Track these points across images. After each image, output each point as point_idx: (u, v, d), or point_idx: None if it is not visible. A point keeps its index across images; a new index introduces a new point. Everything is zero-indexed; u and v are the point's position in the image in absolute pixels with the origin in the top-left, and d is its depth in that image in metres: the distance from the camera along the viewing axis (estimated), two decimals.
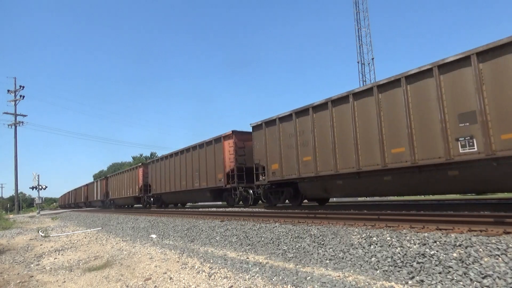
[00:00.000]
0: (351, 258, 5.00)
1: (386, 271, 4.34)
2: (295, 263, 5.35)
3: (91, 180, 54.59)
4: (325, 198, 13.57)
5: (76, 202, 53.67)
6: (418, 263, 4.27)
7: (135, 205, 32.39)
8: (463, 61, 7.56)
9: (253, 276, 4.81)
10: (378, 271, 4.40)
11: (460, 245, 4.38)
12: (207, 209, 16.36)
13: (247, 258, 6.04)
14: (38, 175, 37.14)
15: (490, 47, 7.15)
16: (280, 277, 4.58)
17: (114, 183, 34.66)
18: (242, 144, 16.36)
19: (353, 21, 34.62)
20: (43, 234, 13.40)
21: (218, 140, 17.29)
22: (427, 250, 4.51)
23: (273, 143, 12.99)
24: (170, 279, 5.15)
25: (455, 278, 3.73)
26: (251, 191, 15.98)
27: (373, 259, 4.77)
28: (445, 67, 7.86)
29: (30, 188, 50.31)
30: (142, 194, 27.41)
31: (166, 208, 24.46)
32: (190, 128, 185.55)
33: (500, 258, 3.87)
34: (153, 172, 25.71)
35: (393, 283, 3.95)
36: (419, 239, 4.92)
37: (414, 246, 4.75)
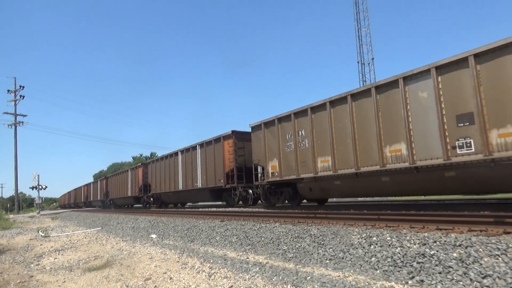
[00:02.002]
0: (351, 258, 5.00)
1: (386, 271, 4.34)
2: (295, 263, 5.35)
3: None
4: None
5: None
6: (418, 263, 4.27)
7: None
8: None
9: (253, 276, 4.81)
10: (378, 271, 4.40)
11: (460, 245, 4.38)
12: (207, 209, 16.36)
13: (247, 258, 6.04)
14: (38, 175, 37.14)
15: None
16: (280, 277, 4.58)
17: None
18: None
19: (353, 21, 34.62)
20: (43, 234, 13.40)
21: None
22: (427, 250, 4.51)
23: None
24: (170, 279, 5.15)
25: (455, 278, 3.73)
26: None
27: (373, 259, 4.77)
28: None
29: (30, 188, 50.30)
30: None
31: (166, 208, 24.43)
32: (190, 128, 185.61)
33: (500, 258, 3.87)
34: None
35: (393, 283, 3.95)
36: (419, 239, 4.92)
37: (414, 246, 4.75)
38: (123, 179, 31.20)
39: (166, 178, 23.00)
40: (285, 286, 4.27)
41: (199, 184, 18.85)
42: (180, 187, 20.96)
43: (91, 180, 54.73)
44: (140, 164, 28.89)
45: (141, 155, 76.92)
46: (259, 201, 16.32)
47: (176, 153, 21.97)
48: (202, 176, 18.64)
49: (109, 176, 38.06)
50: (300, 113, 11.74)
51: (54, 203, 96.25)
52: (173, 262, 6.24)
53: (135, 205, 32.72)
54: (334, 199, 19.47)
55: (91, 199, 44.18)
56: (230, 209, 15.62)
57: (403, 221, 6.25)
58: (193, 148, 19.81)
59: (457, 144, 7.65)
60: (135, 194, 28.00)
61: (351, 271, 4.59)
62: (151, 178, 25.83)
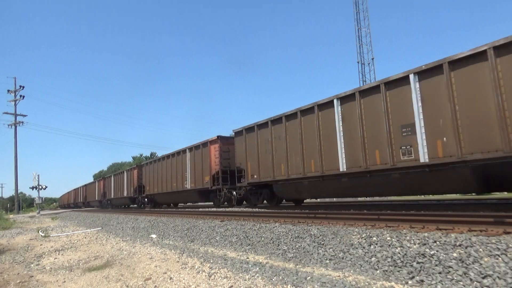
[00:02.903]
0: (351, 258, 5.00)
1: (386, 271, 4.34)
2: (295, 263, 5.35)
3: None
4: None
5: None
6: (418, 263, 4.27)
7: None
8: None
9: (253, 276, 4.81)
10: (378, 271, 4.40)
11: (460, 245, 4.38)
12: (207, 209, 16.36)
13: (247, 258, 6.04)
14: (38, 175, 37.15)
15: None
16: (280, 277, 4.58)
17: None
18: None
19: (353, 21, 34.66)
20: (43, 234, 13.40)
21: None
22: (427, 250, 4.51)
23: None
24: (170, 279, 5.15)
25: (455, 278, 3.73)
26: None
27: (373, 259, 4.77)
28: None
29: (30, 188, 50.25)
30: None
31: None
32: (190, 128, 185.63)
33: (500, 258, 3.87)
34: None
35: (393, 283, 3.95)
36: (419, 239, 4.92)
37: (414, 246, 4.75)
38: (174, 166, 21.76)
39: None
40: (285, 286, 4.27)
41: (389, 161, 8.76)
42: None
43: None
44: (215, 138, 17.97)
45: (141, 155, 76.98)
46: None
47: (306, 110, 11.49)
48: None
49: (143, 164, 28.44)
50: None
51: (54, 203, 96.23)
52: (173, 262, 6.24)
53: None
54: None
55: (111, 196, 34.18)
56: (230, 209, 15.61)
57: (403, 221, 6.25)
58: (367, 90, 9.41)
59: None
60: (205, 186, 18.25)
61: (351, 271, 4.60)
62: (243, 159, 15.00)
